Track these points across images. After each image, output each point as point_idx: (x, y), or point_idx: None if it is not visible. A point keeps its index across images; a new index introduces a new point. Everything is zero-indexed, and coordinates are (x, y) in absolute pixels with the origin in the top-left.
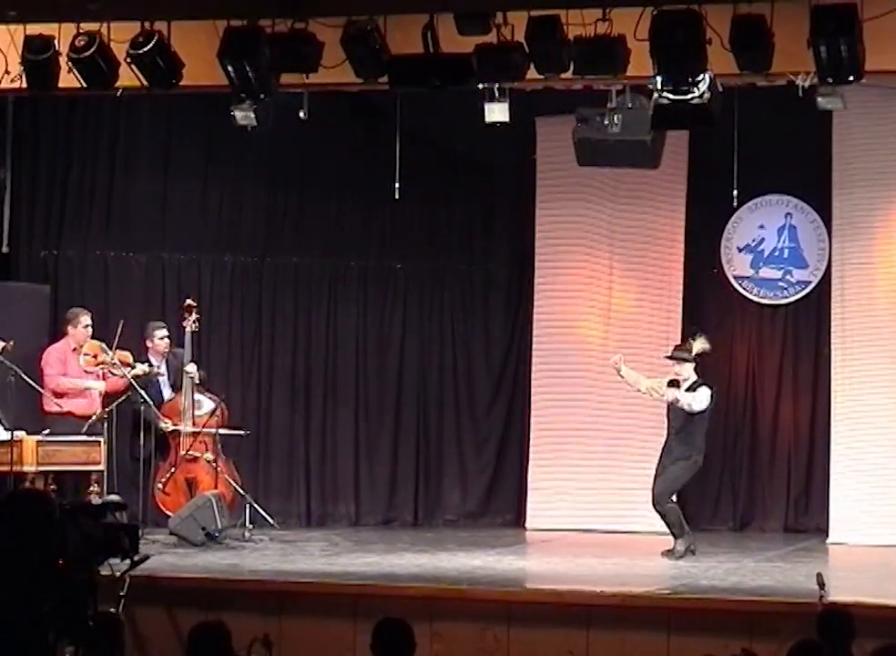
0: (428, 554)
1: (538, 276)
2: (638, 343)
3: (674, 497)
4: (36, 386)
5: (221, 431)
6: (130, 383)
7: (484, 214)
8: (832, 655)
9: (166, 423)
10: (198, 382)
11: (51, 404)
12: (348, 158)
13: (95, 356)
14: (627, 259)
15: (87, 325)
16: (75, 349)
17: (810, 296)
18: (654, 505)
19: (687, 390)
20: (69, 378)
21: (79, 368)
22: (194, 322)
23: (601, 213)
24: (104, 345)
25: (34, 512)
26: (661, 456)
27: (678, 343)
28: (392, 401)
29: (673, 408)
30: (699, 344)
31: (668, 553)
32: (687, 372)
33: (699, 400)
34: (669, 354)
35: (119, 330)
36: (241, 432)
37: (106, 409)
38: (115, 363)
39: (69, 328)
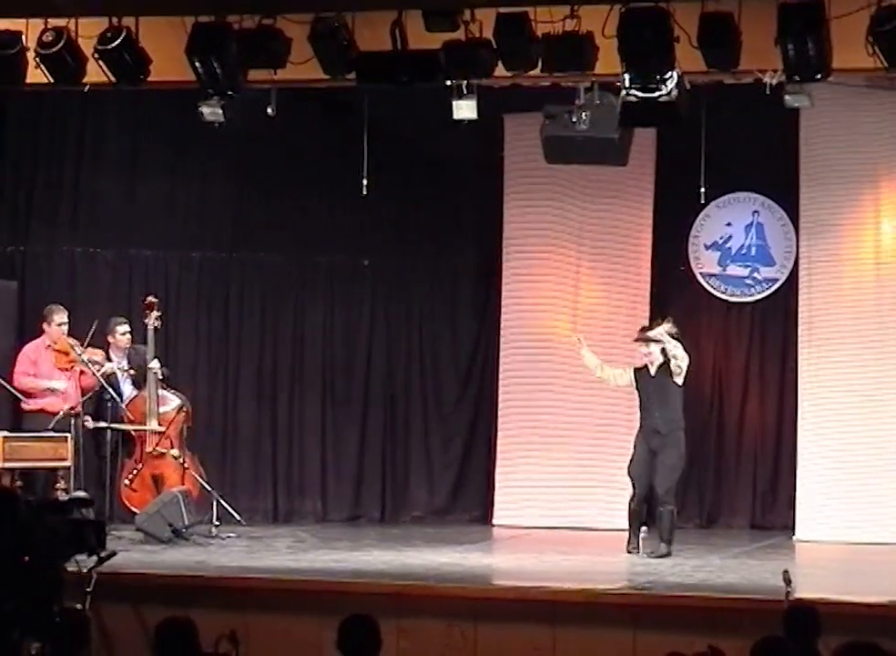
0: (395, 550)
1: (506, 273)
2: (605, 339)
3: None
4: (5, 384)
5: (164, 409)
6: (100, 381)
7: (452, 211)
8: (798, 652)
9: (128, 426)
10: (161, 378)
11: (26, 402)
12: (316, 154)
13: (66, 354)
14: (595, 256)
15: (62, 323)
16: (49, 346)
17: (777, 294)
18: (660, 504)
19: (660, 367)
20: (33, 378)
21: (51, 366)
22: (156, 318)
23: (568, 210)
24: (75, 343)
25: None
26: (640, 441)
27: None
28: (360, 397)
29: (646, 386)
30: (666, 327)
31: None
32: (656, 353)
33: (682, 356)
34: (636, 337)
35: (93, 329)
36: (180, 402)
37: (73, 407)
38: (85, 362)
39: (45, 325)
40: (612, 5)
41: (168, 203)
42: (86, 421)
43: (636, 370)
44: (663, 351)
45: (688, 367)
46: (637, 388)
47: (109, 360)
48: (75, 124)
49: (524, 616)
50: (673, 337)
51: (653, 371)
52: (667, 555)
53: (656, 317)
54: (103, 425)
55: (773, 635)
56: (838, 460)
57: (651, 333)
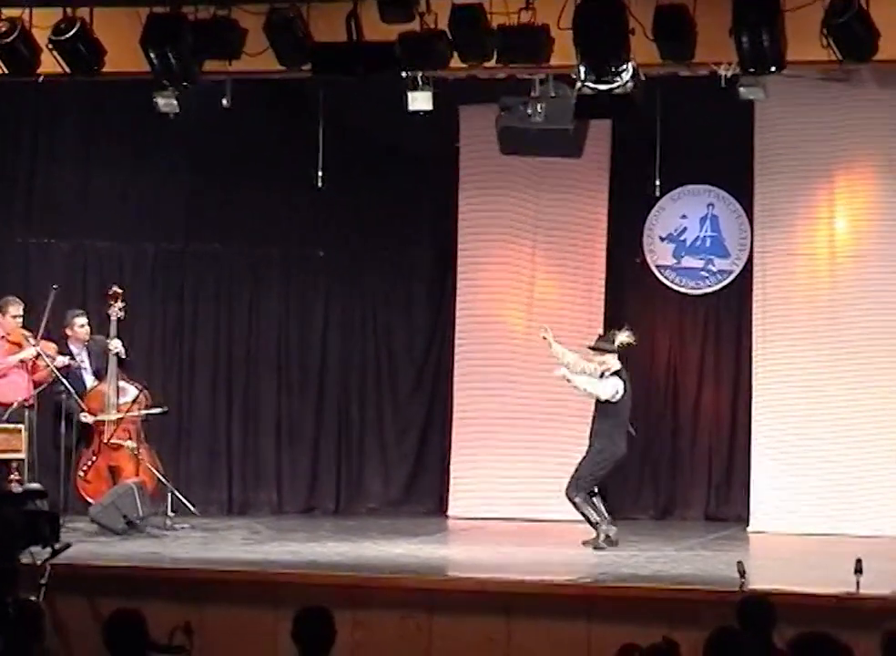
0: (350, 542)
1: (461, 264)
2: (561, 331)
3: (584, 490)
4: None
5: (144, 412)
6: (54, 373)
7: (407, 202)
8: (752, 643)
9: (86, 417)
10: (124, 357)
11: None
12: (271, 146)
13: (20, 345)
14: (550, 248)
15: (17, 316)
16: (3, 337)
17: (732, 285)
18: (567, 498)
19: (600, 378)
20: None
21: (3, 356)
22: (120, 310)
23: (524, 202)
24: (29, 335)
25: None
26: None
27: (601, 332)
28: (315, 389)
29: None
30: (623, 337)
31: (588, 542)
32: (610, 362)
33: (598, 387)
34: (592, 345)
35: (45, 320)
36: (160, 409)
37: (27, 399)
38: (38, 354)
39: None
40: None
41: (123, 195)
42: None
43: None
44: (620, 359)
45: (624, 384)
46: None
47: (67, 353)
48: (29, 115)
49: (479, 607)
50: (631, 345)
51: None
52: (597, 542)
53: (612, 314)
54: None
55: (728, 626)
56: (792, 452)
57: (602, 344)
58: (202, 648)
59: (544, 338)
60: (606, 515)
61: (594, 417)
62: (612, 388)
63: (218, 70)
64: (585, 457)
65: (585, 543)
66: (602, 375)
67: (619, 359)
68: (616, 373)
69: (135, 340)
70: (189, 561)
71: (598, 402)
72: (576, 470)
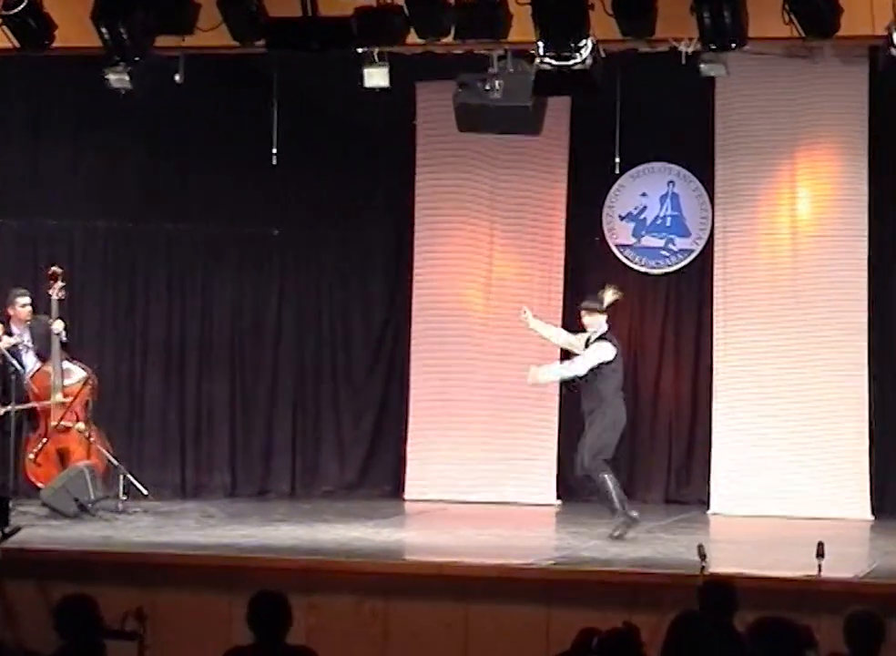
0: (305, 526)
1: (418, 243)
2: (519, 311)
3: (608, 463)
4: None
5: (69, 382)
6: (2, 354)
7: (364, 180)
8: (714, 627)
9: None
10: (64, 340)
11: None
12: (224, 123)
13: None
14: (508, 226)
15: None
16: None
17: (693, 265)
18: (584, 475)
19: (593, 341)
20: None
21: None
22: (60, 289)
23: (482, 180)
24: None
25: None
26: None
27: (589, 299)
28: (269, 369)
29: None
30: (610, 295)
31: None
32: (597, 323)
33: (589, 357)
34: (582, 306)
35: None
36: (85, 375)
37: None
38: None
39: None
40: None
41: (73, 172)
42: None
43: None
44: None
45: (615, 349)
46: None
47: (10, 334)
48: None
49: (435, 592)
50: (617, 302)
51: (587, 343)
52: (624, 530)
53: (571, 293)
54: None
55: (691, 610)
56: (752, 434)
57: (592, 303)
58: (155, 633)
59: (524, 319)
60: (619, 499)
61: (588, 382)
62: (610, 350)
63: (170, 45)
64: (592, 427)
65: (616, 536)
66: (587, 343)
67: (607, 321)
68: (603, 336)
69: (85, 320)
70: (142, 545)
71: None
72: (588, 444)
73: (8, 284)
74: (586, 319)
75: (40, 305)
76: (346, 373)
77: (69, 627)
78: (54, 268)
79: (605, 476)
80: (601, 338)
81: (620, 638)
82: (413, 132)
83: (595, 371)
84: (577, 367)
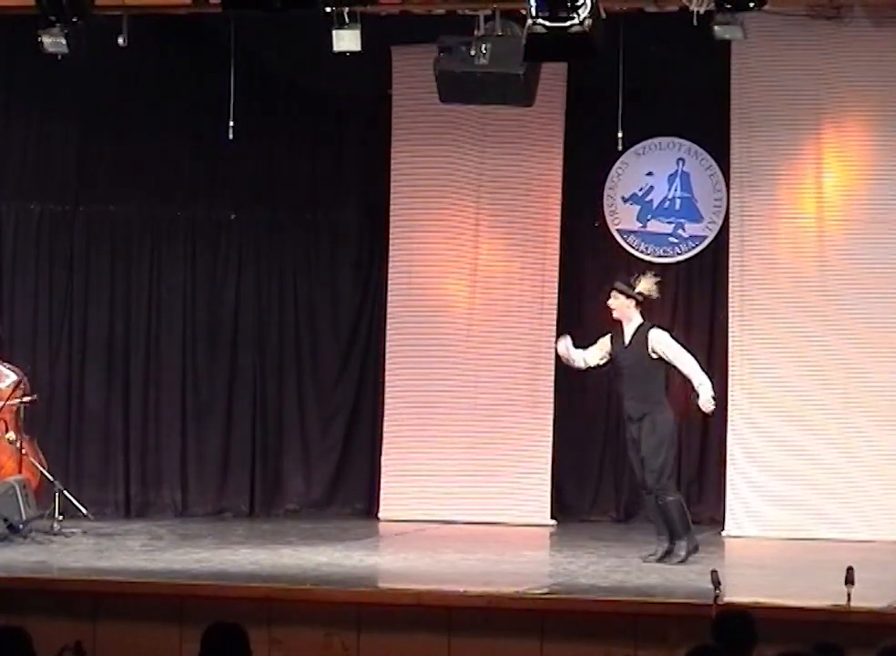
0: (266, 549)
1: (393, 229)
2: (509, 306)
3: (673, 482)
4: None
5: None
6: None
7: (332, 157)
8: None
9: None
10: None
11: None
12: (174, 92)
13: None
14: (497, 210)
15: None
16: None
17: (705, 253)
18: (654, 498)
19: (634, 334)
20: None
21: None
22: None
23: (466, 158)
24: None
25: None
26: (625, 437)
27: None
28: (225, 371)
29: (618, 357)
30: (645, 284)
31: (664, 557)
32: (623, 309)
33: (667, 344)
34: (612, 286)
35: None
36: (29, 398)
37: None
38: None
39: None
40: None
41: (4, 148)
42: None
43: (612, 337)
44: (640, 311)
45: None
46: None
47: None
48: None
49: (414, 624)
50: (650, 298)
51: (627, 338)
52: (681, 556)
53: (568, 285)
54: None
55: (703, 645)
56: (773, 446)
57: (621, 286)
58: None
59: (565, 351)
60: (687, 521)
61: (631, 385)
62: (671, 341)
63: (112, 4)
64: (645, 440)
65: (663, 559)
66: (615, 339)
67: (641, 313)
68: (655, 325)
69: (16, 314)
70: (81, 571)
71: (635, 363)
72: (646, 461)
73: None
74: (611, 301)
75: None
76: (312, 374)
77: None
78: None
79: (672, 499)
80: (655, 327)
81: None
82: (389, 103)
83: (645, 366)
84: (697, 371)
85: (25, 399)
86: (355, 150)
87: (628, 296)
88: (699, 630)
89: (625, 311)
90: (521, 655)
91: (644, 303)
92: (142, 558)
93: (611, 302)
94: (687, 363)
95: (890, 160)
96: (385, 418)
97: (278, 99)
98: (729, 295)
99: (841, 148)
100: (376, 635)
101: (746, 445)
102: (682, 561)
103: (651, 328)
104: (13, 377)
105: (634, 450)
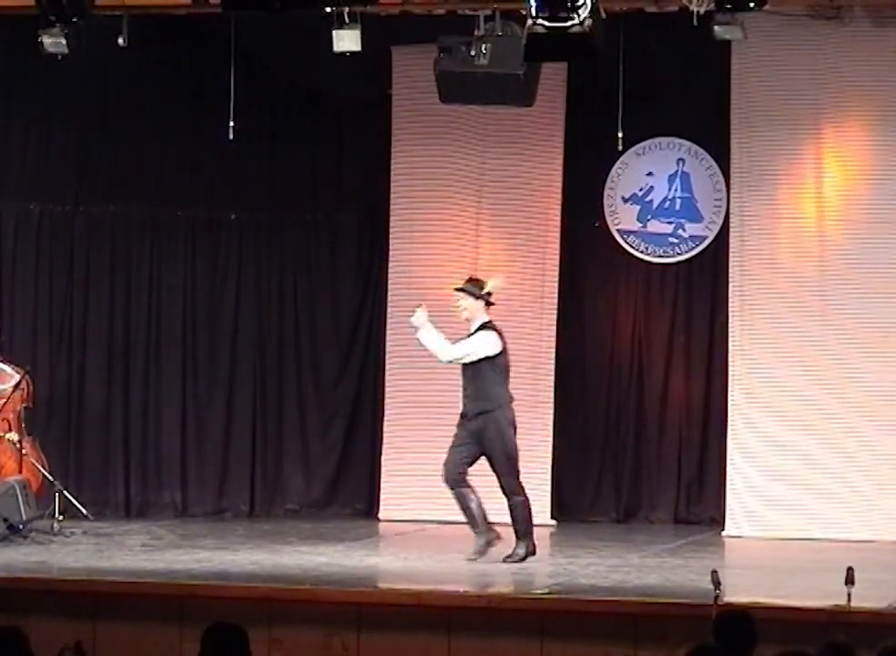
0: (266, 549)
1: (393, 229)
2: (509, 306)
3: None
4: None
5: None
6: None
7: (332, 157)
8: None
9: None
10: None
11: None
12: (174, 92)
13: None
14: (497, 210)
15: None
16: None
17: (705, 253)
18: (445, 483)
19: (471, 334)
20: None
21: None
22: None
23: (467, 158)
24: None
25: None
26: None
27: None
28: (225, 372)
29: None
30: (493, 283)
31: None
32: (472, 310)
33: (473, 346)
34: (458, 287)
35: None
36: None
37: None
38: None
39: None
40: None
41: (4, 148)
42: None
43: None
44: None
45: (499, 338)
46: None
47: None
48: None
49: (414, 624)
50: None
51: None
52: (521, 556)
53: (567, 285)
54: None
55: (703, 645)
56: (773, 445)
57: (469, 287)
58: None
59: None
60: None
61: (465, 383)
62: (483, 345)
63: (112, 4)
64: (489, 441)
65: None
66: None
67: (487, 311)
68: (485, 326)
69: (16, 315)
70: (81, 571)
71: (471, 364)
72: (495, 463)
73: None
74: (461, 302)
75: None
76: (312, 374)
77: None
78: None
79: (520, 498)
80: (483, 327)
81: None
82: (389, 103)
83: (480, 366)
84: (452, 351)
85: (27, 403)
86: (355, 150)
87: (477, 297)
88: (699, 631)
89: (475, 312)
90: (521, 655)
91: (492, 305)
92: (142, 558)
93: (461, 303)
94: (458, 344)
95: (889, 161)
96: (385, 418)
97: (278, 99)
98: (729, 296)
99: (841, 148)
100: (376, 635)
101: (745, 445)
102: (519, 559)
103: (480, 328)
104: (14, 377)
105: (457, 445)
